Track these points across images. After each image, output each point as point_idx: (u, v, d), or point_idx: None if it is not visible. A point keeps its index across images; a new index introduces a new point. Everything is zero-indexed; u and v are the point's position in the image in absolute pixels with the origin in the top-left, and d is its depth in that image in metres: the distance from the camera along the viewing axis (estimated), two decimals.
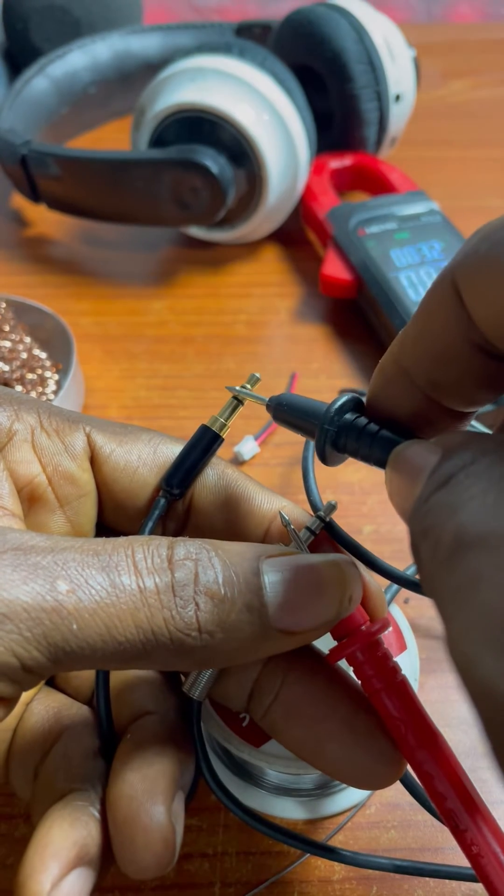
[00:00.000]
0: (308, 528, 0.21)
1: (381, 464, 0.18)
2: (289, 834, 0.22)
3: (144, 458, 0.22)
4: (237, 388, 0.22)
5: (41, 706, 0.22)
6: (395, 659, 0.20)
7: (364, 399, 0.19)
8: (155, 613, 0.16)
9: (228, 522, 0.22)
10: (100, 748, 0.21)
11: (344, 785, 0.27)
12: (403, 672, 0.20)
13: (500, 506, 0.12)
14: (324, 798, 0.27)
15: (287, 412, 0.20)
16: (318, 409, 0.19)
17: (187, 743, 0.21)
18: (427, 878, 0.26)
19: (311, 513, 0.22)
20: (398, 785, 0.25)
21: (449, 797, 0.18)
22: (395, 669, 0.20)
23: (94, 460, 0.22)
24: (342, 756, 0.20)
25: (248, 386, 0.22)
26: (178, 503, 0.22)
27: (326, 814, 0.27)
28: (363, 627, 0.20)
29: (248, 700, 0.21)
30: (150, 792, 0.18)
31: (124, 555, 0.17)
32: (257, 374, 0.22)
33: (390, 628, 0.23)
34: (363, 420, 0.18)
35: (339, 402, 0.19)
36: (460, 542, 0.12)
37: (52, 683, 0.23)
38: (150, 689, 0.22)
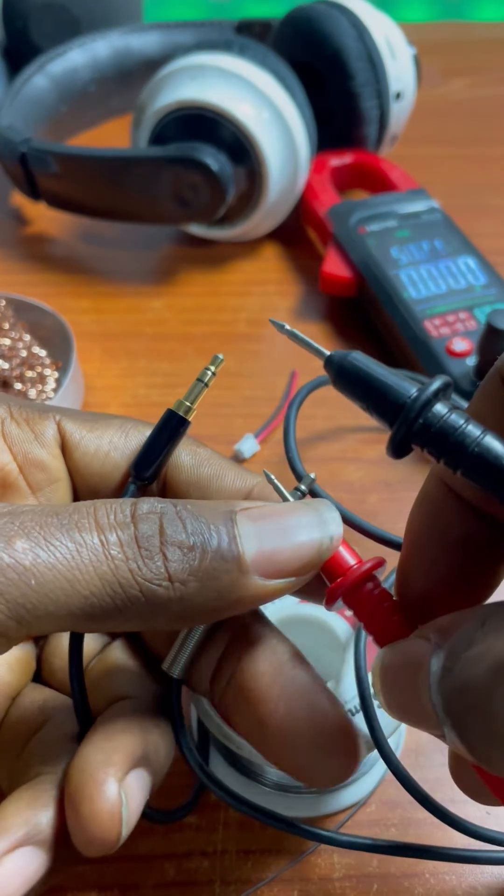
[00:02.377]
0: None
1: (473, 478, 0.16)
2: (274, 816, 0.22)
3: (116, 443, 0.22)
4: (287, 326, 0.19)
5: (27, 700, 0.22)
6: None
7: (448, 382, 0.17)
8: (119, 565, 0.16)
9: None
10: (77, 734, 0.21)
11: (346, 783, 0.27)
12: None
13: None
14: (324, 796, 0.27)
15: (355, 383, 0.17)
16: (396, 391, 0.16)
17: (162, 726, 0.20)
18: (427, 876, 0.26)
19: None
20: (399, 784, 0.25)
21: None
22: (394, 606, 0.19)
23: (64, 447, 0.22)
24: (286, 746, 0.19)
25: (212, 368, 0.22)
26: (152, 486, 0.22)
27: (327, 812, 0.27)
28: (355, 566, 0.19)
29: (210, 684, 0.21)
30: (103, 763, 0.18)
31: (86, 513, 0.17)
32: (220, 356, 0.22)
33: (385, 567, 0.22)
34: (458, 420, 0.16)
35: (431, 390, 0.16)
36: None
37: (38, 679, 0.23)
38: (129, 675, 0.22)
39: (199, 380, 0.22)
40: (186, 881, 0.26)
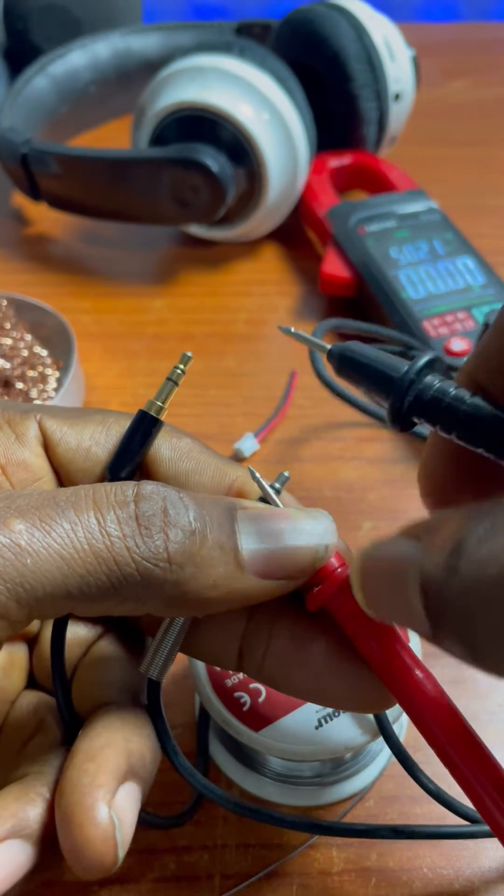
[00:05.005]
0: (260, 499, 0.21)
1: (465, 438, 0.17)
2: (271, 815, 0.22)
3: (97, 438, 0.22)
4: (292, 329, 0.21)
5: (24, 702, 0.22)
6: None
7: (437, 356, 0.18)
8: (115, 542, 0.16)
9: None
10: (63, 738, 0.20)
11: (346, 773, 0.27)
12: None
13: None
14: (325, 787, 0.27)
15: (352, 371, 0.18)
16: (391, 369, 0.17)
17: (144, 732, 0.20)
18: (425, 871, 0.26)
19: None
20: (397, 779, 0.25)
21: (441, 733, 0.17)
22: None
23: (46, 445, 0.21)
24: (349, 687, 0.19)
25: (182, 366, 0.22)
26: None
27: (328, 801, 0.27)
28: (339, 570, 0.19)
29: (239, 658, 0.20)
30: (90, 786, 0.17)
31: (84, 495, 0.17)
32: (189, 353, 0.22)
33: None
34: (447, 388, 0.17)
35: (419, 365, 0.17)
36: None
37: (34, 684, 0.23)
38: (112, 678, 0.21)
39: (169, 378, 0.22)
40: (187, 875, 0.26)
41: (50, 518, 0.16)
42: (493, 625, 0.12)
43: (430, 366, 0.17)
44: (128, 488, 0.17)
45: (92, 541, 0.16)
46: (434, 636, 0.14)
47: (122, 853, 0.17)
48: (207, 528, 0.17)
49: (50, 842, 0.18)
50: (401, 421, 0.18)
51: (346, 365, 0.19)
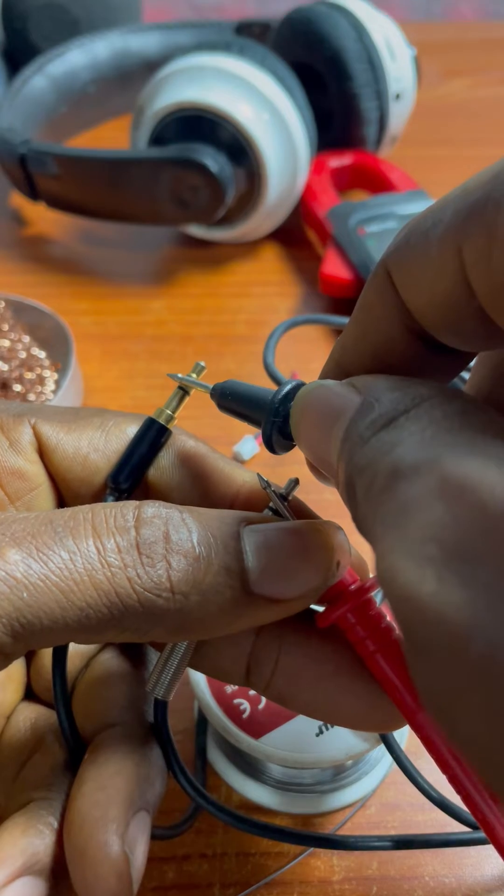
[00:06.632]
0: (269, 508, 0.20)
1: None
2: (264, 826, 0.21)
3: (95, 444, 0.21)
4: (179, 375, 0.21)
5: (21, 717, 0.21)
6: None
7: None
8: (116, 573, 0.15)
9: (188, 502, 0.21)
10: (67, 760, 0.20)
11: (347, 781, 0.27)
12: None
13: (436, 439, 0.12)
14: (326, 794, 0.27)
15: (232, 401, 0.19)
16: (263, 397, 0.19)
17: (152, 755, 0.19)
18: (427, 879, 0.26)
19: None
20: (398, 786, 0.25)
21: (452, 759, 0.17)
22: (390, 629, 0.19)
23: (42, 451, 0.21)
24: (360, 706, 0.19)
25: (194, 375, 0.21)
26: (136, 490, 0.21)
27: (328, 809, 0.27)
28: (352, 587, 0.19)
29: (247, 674, 0.20)
30: (101, 820, 0.17)
31: (82, 518, 0.16)
32: (202, 363, 0.21)
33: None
34: None
35: (285, 391, 0.18)
36: (395, 474, 0.12)
37: (31, 695, 0.23)
38: (116, 696, 0.21)
39: (180, 387, 0.21)
40: (186, 884, 0.26)
41: (47, 547, 0.15)
42: (372, 508, 0.13)
43: (295, 392, 0.18)
44: (128, 512, 0.16)
45: (92, 572, 0.15)
46: (336, 483, 0.15)
47: (136, 888, 0.17)
48: (212, 550, 0.16)
49: (60, 874, 0.17)
50: (271, 445, 0.18)
51: (225, 401, 0.20)
